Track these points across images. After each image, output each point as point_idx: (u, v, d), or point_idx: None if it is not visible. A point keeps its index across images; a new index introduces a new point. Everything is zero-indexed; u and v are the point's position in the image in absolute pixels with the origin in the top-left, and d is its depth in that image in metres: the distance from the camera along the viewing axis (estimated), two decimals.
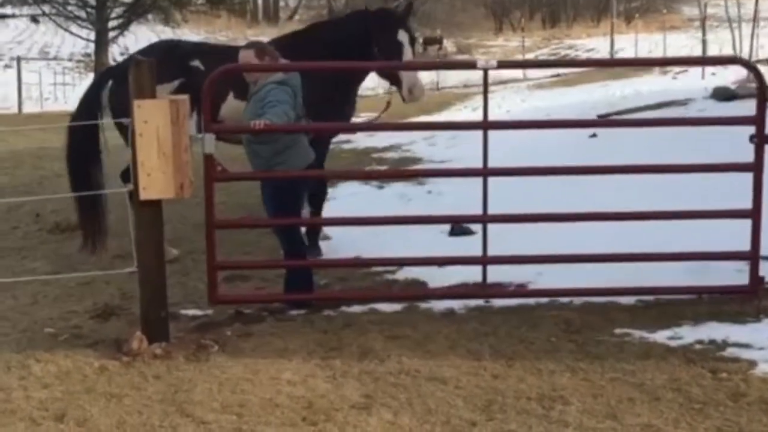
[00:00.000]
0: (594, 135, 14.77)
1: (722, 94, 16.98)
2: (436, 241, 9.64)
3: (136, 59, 6.97)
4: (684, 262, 7.85)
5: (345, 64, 8.90)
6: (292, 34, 10.66)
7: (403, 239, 9.23)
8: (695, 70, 26.02)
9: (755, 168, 7.32)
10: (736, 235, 7.79)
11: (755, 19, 23.12)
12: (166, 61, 9.05)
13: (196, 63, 9.56)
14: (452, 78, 39.34)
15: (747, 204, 7.46)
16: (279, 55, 7.94)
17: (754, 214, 7.37)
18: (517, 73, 35.80)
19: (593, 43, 62.30)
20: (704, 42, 35.16)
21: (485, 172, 7.25)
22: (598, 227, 8.39)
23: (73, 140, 9.57)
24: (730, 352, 6.31)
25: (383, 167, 15.18)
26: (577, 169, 7.98)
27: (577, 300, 7.59)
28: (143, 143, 6.70)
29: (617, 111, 17.86)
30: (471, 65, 7.16)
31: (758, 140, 7.28)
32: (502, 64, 7.36)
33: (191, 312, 7.72)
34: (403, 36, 9.27)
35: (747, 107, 15.59)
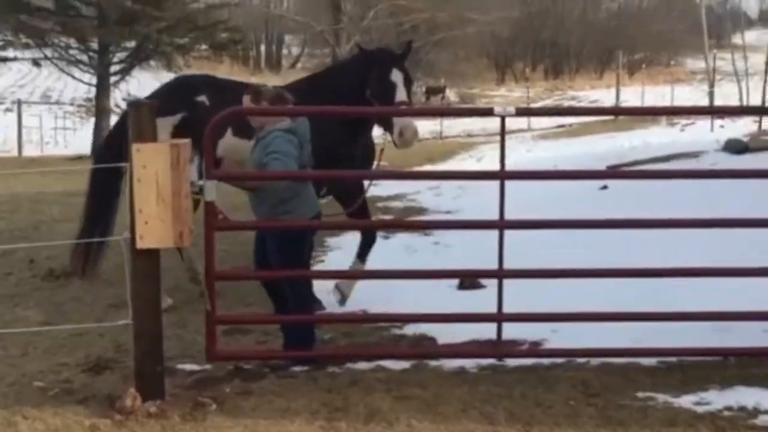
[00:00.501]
0: (605, 187, 14.49)
1: (734, 147, 16.70)
2: (445, 294, 9.29)
3: (137, 101, 6.68)
4: (707, 322, 7.49)
5: (358, 109, 8.56)
6: (304, 79, 10.35)
7: (411, 292, 8.86)
8: (703, 122, 25.78)
9: None
10: (756, 292, 7.45)
11: None
12: (173, 94, 8.83)
13: (202, 98, 9.28)
14: (455, 128, 39.16)
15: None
16: (291, 97, 7.61)
17: None
18: (522, 123, 35.57)
19: (596, 95, 62.44)
20: (711, 94, 34.97)
21: (502, 225, 6.89)
22: (616, 282, 8.03)
23: (94, 179, 9.36)
24: (763, 420, 5.93)
25: (389, 216, 14.81)
26: (596, 223, 7.58)
27: (595, 360, 7.21)
28: (141, 189, 6.37)
29: (627, 162, 17.57)
30: (488, 112, 6.83)
31: None
32: (520, 112, 7.02)
33: (188, 367, 7.32)
34: (396, 76, 8.73)
35: (761, 160, 15.42)
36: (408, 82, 8.84)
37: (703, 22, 37.50)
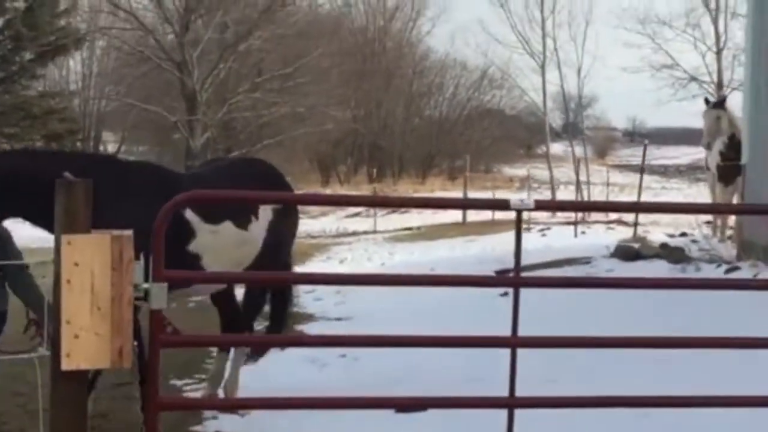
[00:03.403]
0: (505, 293, 13.49)
1: (626, 253, 15.97)
2: (384, 419, 7.97)
3: (67, 179, 5.23)
4: None
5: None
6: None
7: (346, 416, 7.44)
8: (561, 228, 25.50)
9: None
10: None
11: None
12: None
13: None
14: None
15: None
16: None
17: None
18: (368, 225, 34.76)
19: None
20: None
21: (514, 342, 5.64)
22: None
23: None
24: None
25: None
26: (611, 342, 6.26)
27: None
28: (72, 294, 4.93)
29: (522, 267, 16.62)
30: (503, 205, 5.65)
31: None
32: (540, 205, 5.86)
33: None
34: None
35: (658, 268, 14.75)
36: None
37: (547, 134, 38.37)
